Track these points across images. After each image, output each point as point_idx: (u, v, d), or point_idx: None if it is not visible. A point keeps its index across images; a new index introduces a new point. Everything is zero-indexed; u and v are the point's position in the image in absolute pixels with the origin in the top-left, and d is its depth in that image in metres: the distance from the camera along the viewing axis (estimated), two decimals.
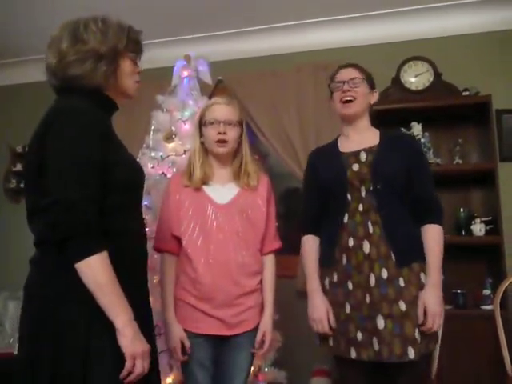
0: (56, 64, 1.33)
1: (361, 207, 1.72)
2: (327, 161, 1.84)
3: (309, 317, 1.77)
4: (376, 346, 1.61)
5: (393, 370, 1.65)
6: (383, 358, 1.59)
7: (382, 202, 1.70)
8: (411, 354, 1.58)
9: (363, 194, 1.72)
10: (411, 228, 1.73)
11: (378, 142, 1.78)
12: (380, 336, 1.60)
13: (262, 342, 1.80)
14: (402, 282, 1.65)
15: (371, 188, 1.71)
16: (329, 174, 1.80)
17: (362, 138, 1.81)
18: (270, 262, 1.88)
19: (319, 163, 1.86)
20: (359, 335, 1.65)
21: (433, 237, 1.71)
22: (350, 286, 1.69)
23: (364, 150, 1.77)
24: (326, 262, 1.77)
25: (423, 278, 1.68)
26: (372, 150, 1.76)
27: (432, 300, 1.63)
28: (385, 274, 1.65)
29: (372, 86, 1.84)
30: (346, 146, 1.83)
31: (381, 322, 1.61)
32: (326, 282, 1.77)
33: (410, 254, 1.69)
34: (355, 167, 1.75)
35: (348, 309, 1.68)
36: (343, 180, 1.74)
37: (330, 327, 1.72)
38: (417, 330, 1.61)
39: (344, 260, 1.71)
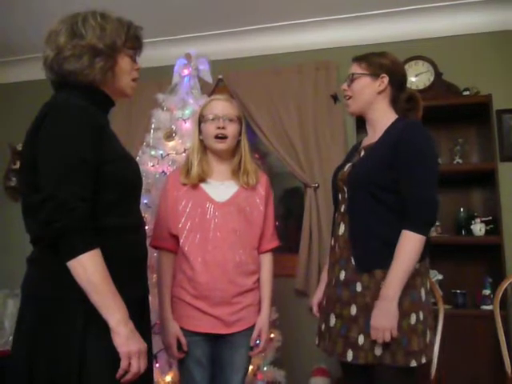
0: (53, 58, 1.30)
1: (342, 208, 1.72)
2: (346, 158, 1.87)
3: None
4: (327, 340, 1.67)
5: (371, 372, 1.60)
6: (328, 352, 1.66)
7: (352, 205, 1.66)
8: (349, 356, 1.56)
9: (346, 195, 1.70)
10: (387, 233, 1.58)
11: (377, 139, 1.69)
12: (330, 332, 1.66)
13: (258, 340, 1.79)
14: (359, 287, 1.59)
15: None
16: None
17: (373, 132, 1.74)
18: (267, 260, 1.88)
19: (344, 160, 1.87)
20: (322, 326, 1.73)
21: (400, 245, 1.53)
22: (327, 282, 1.78)
23: (364, 147, 1.76)
24: None
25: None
26: (368, 147, 1.71)
27: (375, 313, 1.52)
28: (342, 276, 1.65)
29: (377, 73, 1.71)
30: (365, 141, 1.81)
31: (332, 320, 1.66)
32: None
33: (373, 260, 1.59)
34: (346, 167, 1.75)
35: (324, 302, 1.77)
36: (335, 180, 1.80)
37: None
38: (361, 336, 1.55)
39: (328, 258, 1.82)
